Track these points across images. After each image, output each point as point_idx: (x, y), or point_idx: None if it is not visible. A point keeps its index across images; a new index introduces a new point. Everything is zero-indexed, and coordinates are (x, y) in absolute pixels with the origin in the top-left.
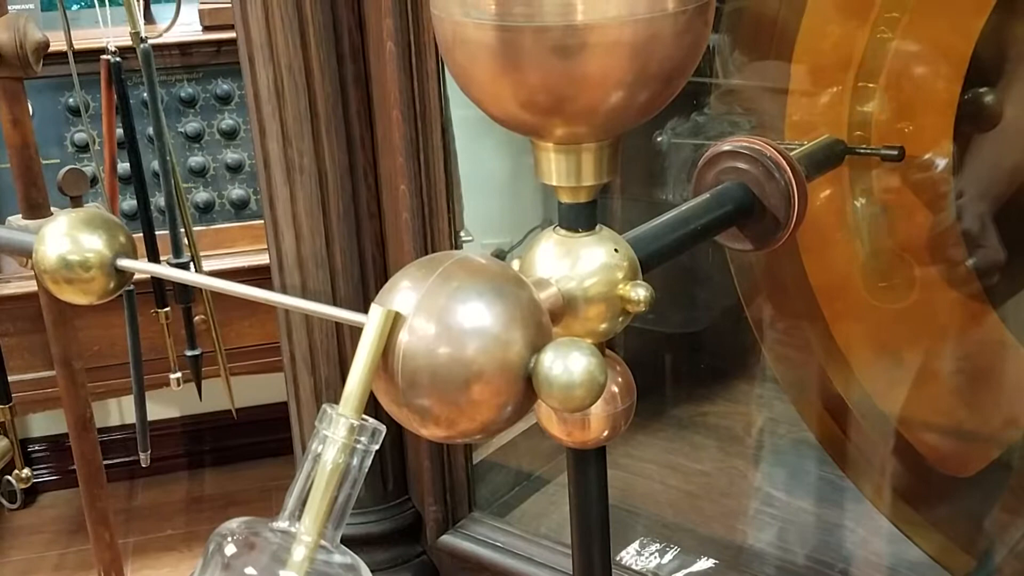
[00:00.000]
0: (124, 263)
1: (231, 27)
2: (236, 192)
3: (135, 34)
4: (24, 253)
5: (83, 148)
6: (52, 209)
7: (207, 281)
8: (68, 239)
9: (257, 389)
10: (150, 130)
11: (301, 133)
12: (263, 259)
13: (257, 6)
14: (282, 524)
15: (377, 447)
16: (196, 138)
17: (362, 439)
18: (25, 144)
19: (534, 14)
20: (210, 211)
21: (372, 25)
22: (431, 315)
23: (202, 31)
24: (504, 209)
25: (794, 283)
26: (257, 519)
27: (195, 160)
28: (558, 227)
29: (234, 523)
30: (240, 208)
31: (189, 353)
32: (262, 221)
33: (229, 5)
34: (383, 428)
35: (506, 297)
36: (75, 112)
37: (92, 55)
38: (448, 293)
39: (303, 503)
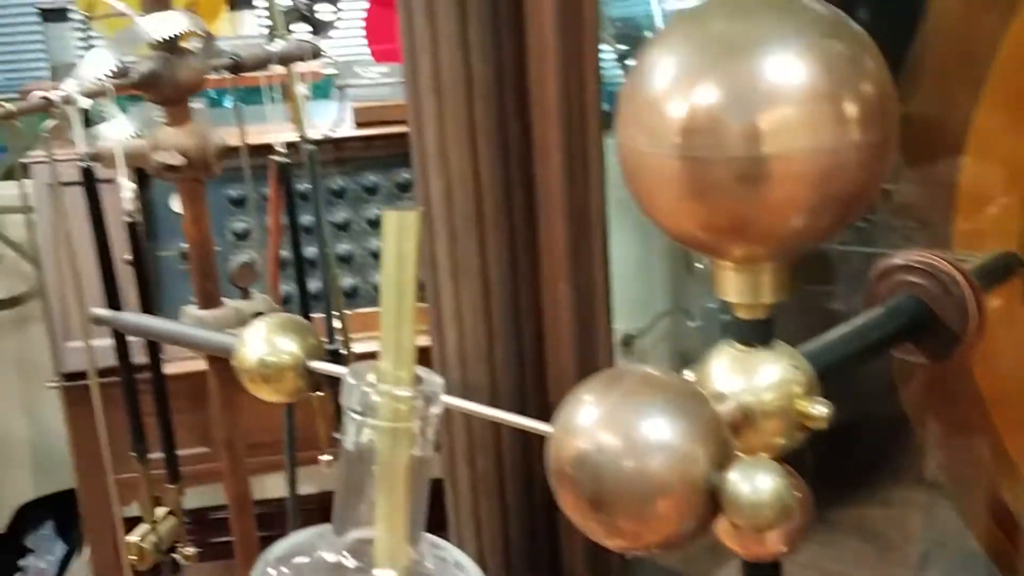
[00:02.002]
0: (315, 365)
1: (381, 124)
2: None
3: (302, 137)
4: (226, 354)
5: (242, 236)
6: (223, 300)
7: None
8: (266, 343)
9: None
10: (303, 219)
11: (468, 235)
12: None
13: (431, 118)
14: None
15: (441, 409)
16: (344, 227)
17: (429, 409)
18: (203, 240)
19: (719, 145)
20: (355, 295)
21: (538, 134)
22: (616, 430)
23: (355, 127)
24: (632, 294)
25: (962, 390)
26: (306, 537)
27: (343, 248)
28: (733, 341)
29: (280, 547)
30: None
31: (336, 435)
32: None
33: (380, 104)
34: (440, 380)
35: (689, 413)
36: (235, 203)
37: (255, 151)
38: (632, 408)
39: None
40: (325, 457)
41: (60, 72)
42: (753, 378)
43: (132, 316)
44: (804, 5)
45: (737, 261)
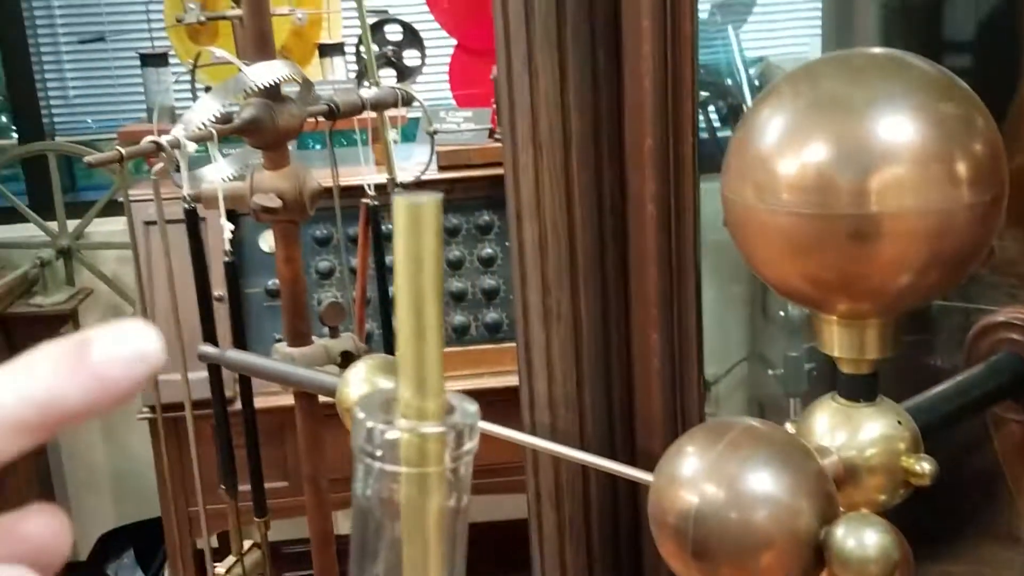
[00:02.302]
0: None
1: (464, 167)
2: (491, 316)
3: (391, 180)
4: (328, 394)
5: (325, 275)
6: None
7: (488, 427)
8: (367, 383)
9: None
10: (388, 259)
11: (560, 283)
12: (510, 381)
13: (527, 168)
14: None
15: (476, 444)
16: None
17: (463, 446)
18: (295, 279)
19: (829, 203)
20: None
21: (633, 184)
22: (721, 482)
23: (438, 171)
24: (708, 340)
25: None
26: None
27: None
28: (837, 395)
29: None
30: (486, 331)
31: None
32: (486, 346)
33: (462, 147)
34: (474, 407)
35: (794, 467)
36: (320, 243)
37: (342, 192)
38: (738, 461)
39: None
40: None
41: (156, 114)
42: (857, 433)
43: (236, 354)
44: (913, 65)
45: (843, 316)
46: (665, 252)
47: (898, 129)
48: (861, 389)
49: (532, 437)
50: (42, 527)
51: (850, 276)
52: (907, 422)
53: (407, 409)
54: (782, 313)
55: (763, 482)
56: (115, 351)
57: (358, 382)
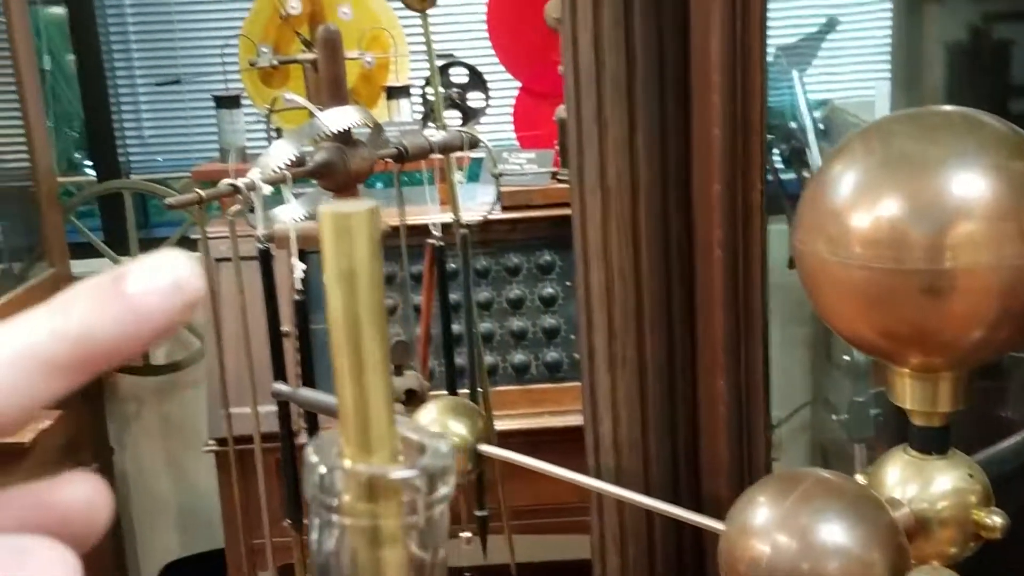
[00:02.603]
0: (485, 448)
1: (526, 207)
2: (551, 355)
3: (456, 220)
4: None
5: (387, 313)
6: None
7: (548, 468)
8: (438, 424)
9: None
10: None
11: (626, 328)
12: (570, 420)
13: (595, 213)
14: None
15: (451, 489)
16: (486, 306)
17: (434, 492)
18: None
19: (903, 258)
20: (493, 374)
21: (701, 232)
22: (794, 533)
23: (501, 211)
24: (772, 383)
25: None
26: None
27: (483, 326)
28: (908, 447)
29: None
30: (545, 370)
31: (478, 513)
32: (549, 385)
33: (525, 188)
34: (447, 448)
35: (866, 519)
36: (384, 280)
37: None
38: (810, 512)
39: None
40: (465, 534)
41: (229, 154)
42: (928, 486)
43: (308, 392)
44: (985, 124)
45: (915, 369)
46: (732, 297)
47: (971, 186)
48: (933, 442)
49: (601, 482)
50: (75, 496)
51: (923, 330)
52: (978, 475)
53: (352, 453)
54: (846, 357)
55: (835, 534)
56: (150, 282)
57: (428, 424)
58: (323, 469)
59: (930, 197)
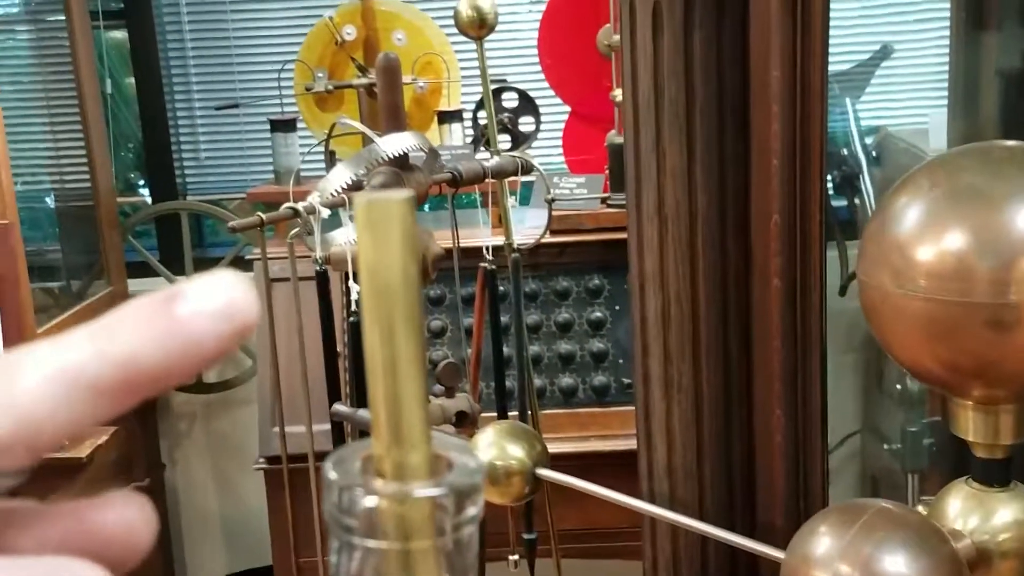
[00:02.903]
0: (543, 472)
1: (576, 231)
2: (599, 379)
3: (508, 244)
4: None
5: (437, 334)
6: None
7: (604, 492)
8: (496, 447)
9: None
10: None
11: (682, 355)
12: (617, 445)
13: (652, 241)
14: None
15: (480, 510)
16: (535, 329)
17: (464, 511)
18: None
19: (967, 291)
20: (541, 396)
21: (758, 261)
22: (856, 563)
23: (550, 234)
24: None
25: None
26: None
27: (532, 349)
28: (970, 479)
29: None
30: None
31: (526, 536)
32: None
33: (574, 212)
34: (478, 462)
35: (928, 550)
36: (433, 302)
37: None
38: (873, 543)
39: None
40: (513, 557)
41: (282, 177)
42: (990, 518)
43: (367, 413)
44: None
45: (978, 401)
46: (790, 328)
47: None
48: (995, 474)
49: (665, 510)
50: (118, 518)
51: (986, 362)
52: None
53: (384, 464)
54: (899, 386)
55: (897, 565)
56: (202, 304)
57: (486, 447)
58: (342, 486)
59: (995, 231)
